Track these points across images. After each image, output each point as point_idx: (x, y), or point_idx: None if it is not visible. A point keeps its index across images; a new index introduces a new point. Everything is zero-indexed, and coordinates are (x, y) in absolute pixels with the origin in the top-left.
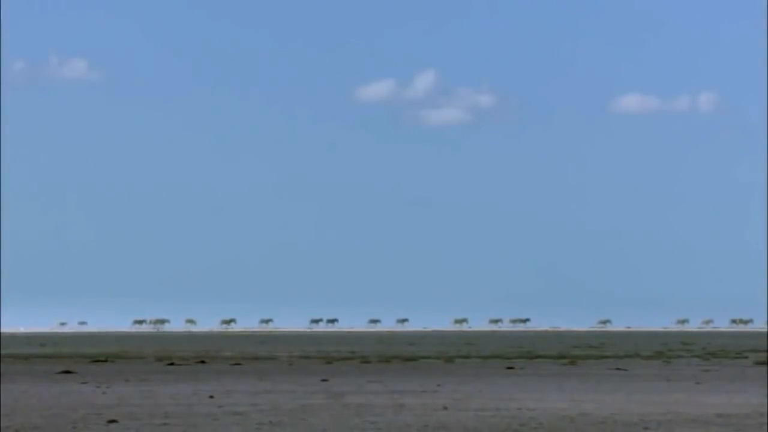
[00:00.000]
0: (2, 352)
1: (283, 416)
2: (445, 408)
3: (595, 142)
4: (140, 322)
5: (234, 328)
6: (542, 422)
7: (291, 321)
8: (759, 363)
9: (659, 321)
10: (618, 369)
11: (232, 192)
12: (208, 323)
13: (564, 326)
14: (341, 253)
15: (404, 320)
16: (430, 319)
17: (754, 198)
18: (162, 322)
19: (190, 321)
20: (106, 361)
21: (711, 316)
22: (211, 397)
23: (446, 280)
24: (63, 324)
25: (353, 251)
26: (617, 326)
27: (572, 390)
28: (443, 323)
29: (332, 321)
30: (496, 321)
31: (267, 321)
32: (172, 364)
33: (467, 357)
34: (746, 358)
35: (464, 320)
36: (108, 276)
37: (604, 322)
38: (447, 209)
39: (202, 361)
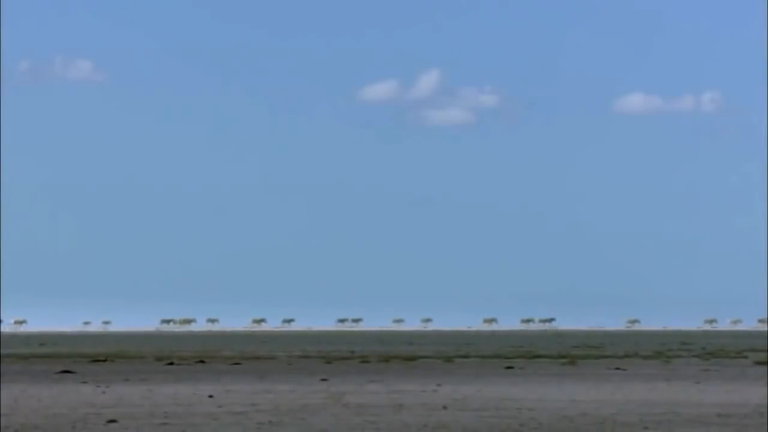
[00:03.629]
0: (2, 352)
1: (283, 416)
2: (445, 408)
3: (599, 142)
4: (167, 321)
5: (264, 327)
6: (542, 422)
7: (316, 320)
8: (759, 363)
9: (687, 321)
10: (618, 369)
11: (240, 192)
12: (233, 323)
13: (592, 326)
14: (352, 252)
15: (428, 320)
16: (454, 318)
17: (760, 197)
18: (188, 321)
19: (212, 320)
20: (105, 360)
21: (739, 316)
22: (211, 396)
23: (464, 280)
24: (87, 324)
25: (358, 251)
26: (646, 326)
27: (572, 390)
28: (466, 322)
29: (357, 320)
30: (528, 321)
31: (289, 321)
32: (171, 363)
33: (467, 357)
34: (746, 357)
35: (493, 320)
36: (133, 276)
37: (633, 321)
38: (454, 209)
39: (202, 361)
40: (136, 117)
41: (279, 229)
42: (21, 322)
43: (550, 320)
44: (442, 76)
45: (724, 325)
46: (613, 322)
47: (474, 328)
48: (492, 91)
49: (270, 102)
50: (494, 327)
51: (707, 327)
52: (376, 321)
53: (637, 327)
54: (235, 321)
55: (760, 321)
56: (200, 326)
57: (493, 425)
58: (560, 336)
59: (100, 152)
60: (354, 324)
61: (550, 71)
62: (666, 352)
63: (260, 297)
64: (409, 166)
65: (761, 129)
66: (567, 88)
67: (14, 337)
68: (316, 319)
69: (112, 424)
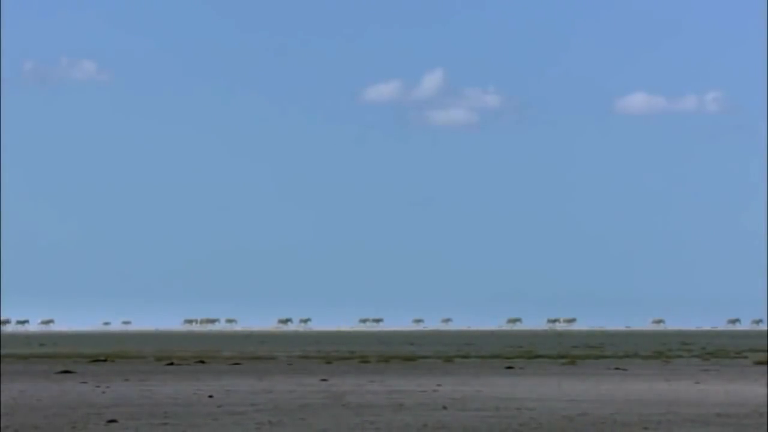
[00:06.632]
0: (2, 351)
1: (282, 416)
2: (445, 408)
3: (603, 142)
4: (190, 321)
5: (290, 327)
6: (542, 422)
7: (338, 321)
8: (758, 363)
9: (710, 321)
10: (618, 369)
11: (247, 192)
12: (254, 323)
13: (615, 326)
14: (371, 253)
15: (448, 320)
16: (474, 318)
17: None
18: (211, 321)
19: (230, 320)
20: (105, 360)
21: (760, 316)
22: (211, 396)
23: (484, 279)
24: (106, 324)
25: (375, 251)
26: (671, 326)
27: (572, 390)
28: (486, 323)
29: (377, 320)
30: (554, 321)
31: (306, 321)
32: (171, 363)
33: (467, 357)
34: (746, 357)
35: (518, 320)
36: (155, 276)
37: (658, 321)
38: (458, 210)
39: (202, 361)
40: (141, 117)
41: (296, 229)
42: (48, 322)
43: (572, 320)
44: (445, 76)
45: (746, 325)
46: (637, 322)
47: (498, 328)
48: (495, 91)
49: (273, 102)
50: (518, 327)
51: (730, 327)
52: (397, 321)
53: (662, 327)
54: (257, 321)
55: None
56: (222, 326)
57: (493, 425)
58: (561, 336)
59: (106, 152)
60: (375, 324)
61: (553, 71)
62: (666, 352)
63: (282, 298)
64: (413, 166)
65: (765, 128)
66: (570, 88)
67: (14, 337)
68: (338, 319)
69: (112, 424)
